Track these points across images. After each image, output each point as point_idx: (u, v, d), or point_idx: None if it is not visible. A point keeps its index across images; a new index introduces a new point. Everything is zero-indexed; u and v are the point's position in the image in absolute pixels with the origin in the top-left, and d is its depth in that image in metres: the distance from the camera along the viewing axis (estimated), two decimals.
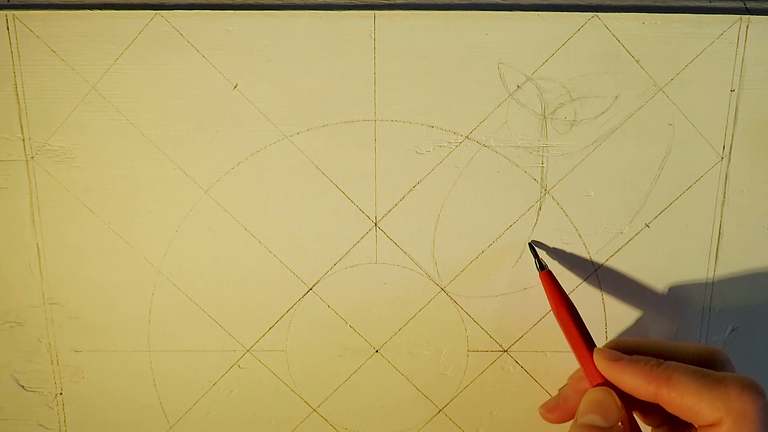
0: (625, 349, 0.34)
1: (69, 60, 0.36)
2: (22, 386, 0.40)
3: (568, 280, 0.38)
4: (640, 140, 0.37)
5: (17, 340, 0.39)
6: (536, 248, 0.38)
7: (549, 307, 0.39)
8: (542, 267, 0.37)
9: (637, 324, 0.39)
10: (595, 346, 0.35)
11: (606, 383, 0.34)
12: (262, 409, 0.40)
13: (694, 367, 0.31)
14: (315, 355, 0.39)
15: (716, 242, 0.38)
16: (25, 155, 0.37)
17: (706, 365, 0.32)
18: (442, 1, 0.36)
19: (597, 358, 0.34)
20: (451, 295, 0.39)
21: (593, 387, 0.34)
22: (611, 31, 0.36)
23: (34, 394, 0.40)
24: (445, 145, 0.37)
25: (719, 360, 0.33)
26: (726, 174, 0.37)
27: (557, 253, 0.38)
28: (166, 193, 0.37)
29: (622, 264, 0.38)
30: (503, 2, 0.36)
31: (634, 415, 0.35)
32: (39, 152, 0.37)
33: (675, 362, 0.31)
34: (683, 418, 0.31)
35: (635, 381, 0.32)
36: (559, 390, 0.39)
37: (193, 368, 0.40)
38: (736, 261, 0.38)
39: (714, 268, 0.38)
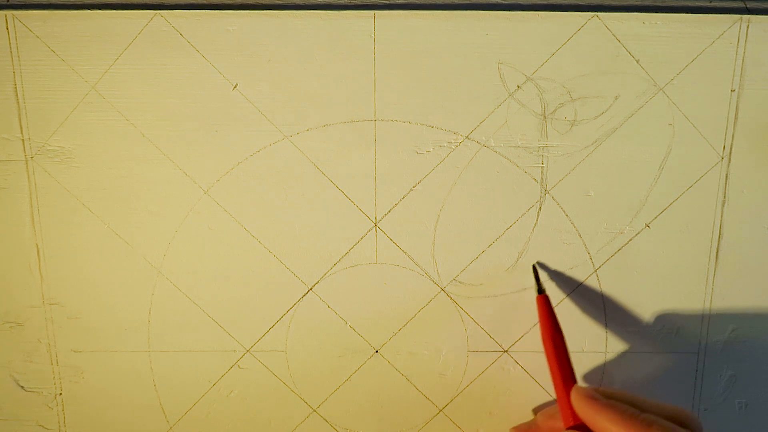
0: (604, 395, 0.33)
1: (69, 60, 0.36)
2: (22, 386, 0.40)
3: (568, 280, 0.38)
4: (640, 140, 0.37)
5: (17, 340, 0.39)
6: (538, 270, 0.38)
7: None
8: (540, 290, 0.37)
9: (637, 324, 0.39)
10: (576, 382, 0.34)
11: (580, 427, 0.33)
12: (262, 409, 0.40)
13: (673, 424, 0.30)
14: (315, 355, 0.39)
15: (716, 242, 0.38)
16: (25, 155, 0.37)
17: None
18: (442, 1, 0.36)
19: (574, 395, 0.33)
20: (451, 295, 0.39)
21: (567, 429, 0.33)
22: (611, 31, 0.36)
23: (34, 394, 0.40)
24: (445, 145, 0.37)
25: (693, 426, 0.31)
26: (726, 174, 0.37)
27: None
28: (166, 193, 0.37)
29: (622, 264, 0.38)
30: (503, 2, 0.36)
31: None
32: (39, 152, 0.37)
33: (654, 415, 0.30)
34: None
35: (612, 426, 0.31)
36: (528, 422, 0.39)
37: (193, 368, 0.40)
38: (736, 261, 0.38)
39: (714, 268, 0.38)
